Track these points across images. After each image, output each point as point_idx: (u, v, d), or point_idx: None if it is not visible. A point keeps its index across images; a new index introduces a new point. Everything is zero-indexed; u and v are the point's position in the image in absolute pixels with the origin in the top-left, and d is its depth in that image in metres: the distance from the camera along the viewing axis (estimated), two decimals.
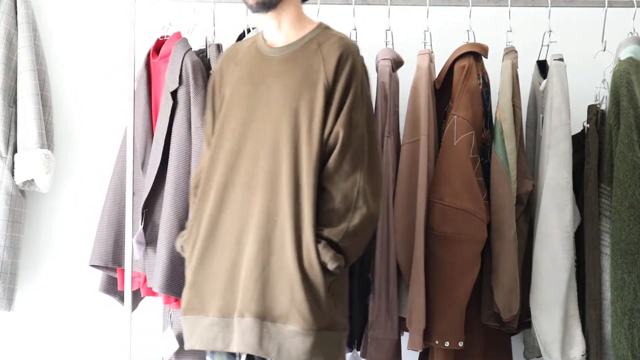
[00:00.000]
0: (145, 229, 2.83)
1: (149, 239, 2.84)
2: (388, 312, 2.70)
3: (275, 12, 2.30)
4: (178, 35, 2.88)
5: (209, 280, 2.26)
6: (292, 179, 2.21)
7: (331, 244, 2.21)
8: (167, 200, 2.75)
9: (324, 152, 2.24)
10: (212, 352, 2.31)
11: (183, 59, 2.76)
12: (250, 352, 2.20)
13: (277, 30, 2.33)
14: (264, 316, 2.19)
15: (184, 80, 2.76)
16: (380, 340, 2.69)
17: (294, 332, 2.17)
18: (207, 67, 2.83)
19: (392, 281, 2.71)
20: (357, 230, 2.24)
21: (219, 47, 2.84)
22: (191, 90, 2.75)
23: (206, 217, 2.28)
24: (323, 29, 2.34)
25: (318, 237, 2.20)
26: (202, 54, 2.86)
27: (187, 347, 2.29)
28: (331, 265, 2.19)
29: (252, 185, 2.25)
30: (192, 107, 2.75)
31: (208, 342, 2.25)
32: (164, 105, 2.81)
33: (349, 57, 2.27)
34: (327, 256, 2.19)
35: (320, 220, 2.22)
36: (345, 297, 2.33)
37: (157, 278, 2.69)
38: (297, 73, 2.27)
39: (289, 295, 2.18)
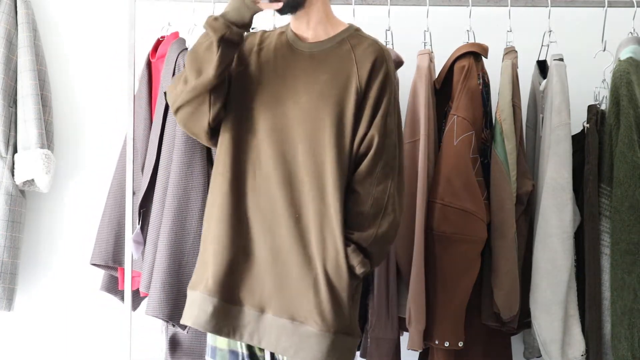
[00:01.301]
0: (142, 228, 2.84)
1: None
2: (388, 312, 2.70)
3: (304, 10, 2.29)
4: (175, 35, 2.89)
5: (226, 267, 2.23)
6: (317, 178, 2.20)
7: (360, 248, 2.21)
8: (156, 203, 2.76)
9: (354, 155, 2.24)
10: (214, 348, 2.31)
11: (177, 59, 2.76)
12: (268, 349, 2.20)
13: (306, 27, 2.32)
14: (283, 314, 2.19)
15: None
16: (380, 340, 2.69)
17: (312, 332, 2.16)
18: None
19: (392, 281, 2.71)
20: (385, 236, 2.25)
21: None
22: None
23: (228, 203, 2.25)
24: (354, 31, 2.33)
25: (347, 240, 2.20)
26: None
27: (190, 323, 2.25)
28: (359, 270, 2.19)
29: (276, 178, 2.23)
30: None
31: (214, 326, 2.22)
32: (159, 105, 2.81)
33: (383, 62, 2.27)
34: (356, 260, 2.19)
35: (349, 223, 2.21)
36: (359, 304, 2.32)
37: (152, 301, 2.69)
38: (327, 71, 2.26)
39: (310, 296, 2.17)
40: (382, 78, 2.26)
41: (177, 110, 2.27)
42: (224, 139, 2.29)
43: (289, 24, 2.38)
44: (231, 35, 2.21)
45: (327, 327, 2.16)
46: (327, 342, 2.16)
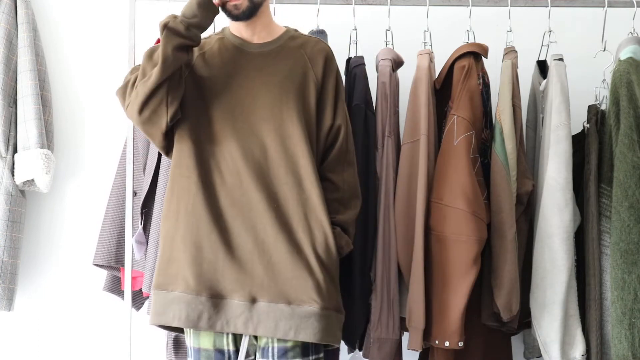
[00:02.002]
0: (144, 229, 2.84)
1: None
2: (390, 312, 2.70)
3: (255, 17, 2.41)
4: None
5: (208, 263, 2.29)
6: (291, 170, 2.33)
7: (343, 230, 2.41)
8: (158, 203, 2.76)
9: (322, 145, 2.43)
10: (198, 350, 2.32)
11: None
12: (265, 334, 2.26)
13: (252, 32, 2.44)
14: (279, 299, 2.27)
15: None
16: (383, 340, 2.69)
17: (312, 312, 2.27)
18: None
19: (394, 281, 2.71)
20: (357, 216, 2.49)
21: None
22: None
23: (200, 201, 2.31)
24: (294, 31, 2.51)
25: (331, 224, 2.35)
26: None
27: (179, 323, 2.28)
28: (347, 249, 2.41)
29: (247, 173, 2.31)
30: None
31: (206, 323, 2.27)
32: None
33: (333, 59, 2.49)
34: (343, 240, 2.40)
35: (328, 208, 2.36)
36: None
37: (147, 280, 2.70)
38: (282, 69, 2.40)
39: (306, 278, 2.27)
40: (336, 73, 2.47)
41: (140, 110, 2.29)
42: (183, 143, 2.36)
43: (223, 29, 2.50)
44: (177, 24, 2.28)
45: (326, 305, 2.28)
46: (326, 319, 2.29)
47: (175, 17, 2.29)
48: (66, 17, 3.33)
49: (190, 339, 2.36)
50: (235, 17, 2.38)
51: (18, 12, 3.17)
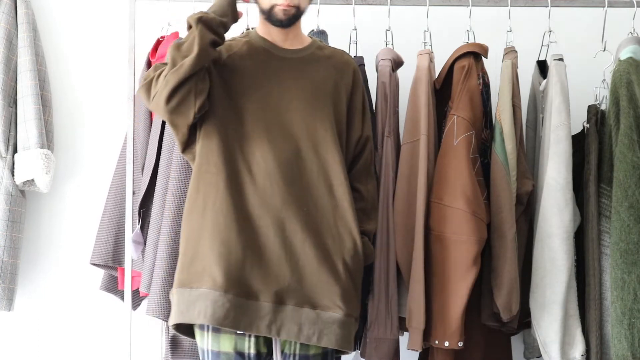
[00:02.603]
0: (142, 228, 2.84)
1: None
2: (388, 312, 2.70)
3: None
4: (175, 35, 2.88)
5: (236, 262, 2.27)
6: (323, 175, 2.35)
7: (369, 239, 2.47)
8: (156, 203, 2.76)
9: (351, 154, 2.48)
10: (217, 353, 2.30)
11: None
12: (288, 338, 2.27)
13: (285, 37, 2.45)
14: (304, 304, 2.28)
15: None
16: (380, 340, 2.69)
17: (336, 318, 2.29)
18: None
19: (392, 281, 2.71)
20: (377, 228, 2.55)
21: None
22: None
23: (229, 199, 2.29)
24: (319, 42, 2.54)
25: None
26: None
27: (204, 320, 2.25)
28: (371, 260, 2.48)
29: (279, 175, 2.31)
30: None
31: (231, 321, 2.25)
32: None
33: (359, 72, 2.54)
34: (370, 250, 2.45)
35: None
36: None
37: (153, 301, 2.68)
38: (314, 76, 2.42)
39: (333, 285, 2.30)
40: (362, 87, 2.53)
41: (168, 98, 2.26)
42: (211, 141, 2.34)
43: (248, 32, 2.51)
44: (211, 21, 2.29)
45: (349, 312, 2.32)
46: (347, 326, 2.31)
47: (206, 13, 2.29)
48: (66, 17, 3.33)
49: (207, 342, 2.32)
50: (279, 23, 2.38)
51: (18, 12, 3.17)
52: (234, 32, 2.91)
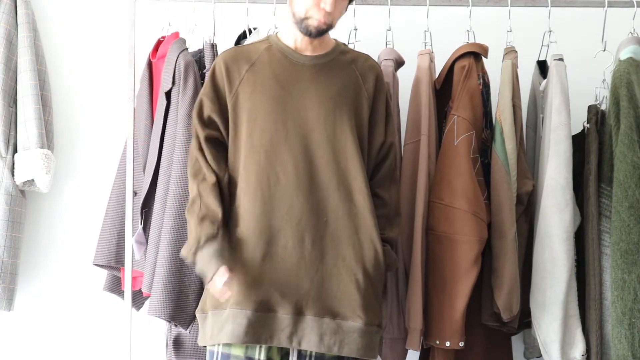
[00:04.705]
0: (144, 228, 2.84)
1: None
2: (400, 312, 2.71)
3: None
4: (176, 35, 2.88)
5: (253, 277, 2.27)
6: (342, 183, 2.32)
7: (391, 247, 2.41)
8: (158, 203, 2.76)
9: (373, 161, 2.43)
10: (227, 356, 2.30)
11: (177, 59, 2.76)
12: (309, 348, 2.26)
13: (308, 43, 2.40)
14: (324, 314, 2.27)
15: (176, 81, 2.75)
16: (395, 340, 2.71)
17: (357, 327, 2.27)
18: (204, 67, 2.82)
19: (402, 281, 2.72)
20: (399, 235, 2.51)
21: (213, 47, 2.83)
22: (180, 90, 2.74)
23: (252, 212, 2.30)
24: (343, 45, 2.49)
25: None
26: (200, 54, 2.86)
27: (227, 340, 2.26)
28: (393, 268, 2.43)
29: (296, 184, 2.30)
30: (179, 108, 2.74)
31: (252, 336, 2.25)
32: (159, 105, 2.81)
33: (382, 77, 2.49)
34: (391, 258, 2.39)
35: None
36: None
37: (154, 301, 2.68)
38: (336, 82, 2.39)
39: (353, 294, 2.28)
40: (385, 92, 2.47)
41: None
42: (237, 153, 2.36)
43: (269, 37, 2.47)
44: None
45: (370, 321, 2.29)
46: (369, 334, 2.29)
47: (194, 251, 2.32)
48: (66, 17, 3.32)
49: (222, 345, 2.32)
50: (310, 34, 2.34)
51: (18, 12, 3.17)
52: (233, 32, 2.93)
